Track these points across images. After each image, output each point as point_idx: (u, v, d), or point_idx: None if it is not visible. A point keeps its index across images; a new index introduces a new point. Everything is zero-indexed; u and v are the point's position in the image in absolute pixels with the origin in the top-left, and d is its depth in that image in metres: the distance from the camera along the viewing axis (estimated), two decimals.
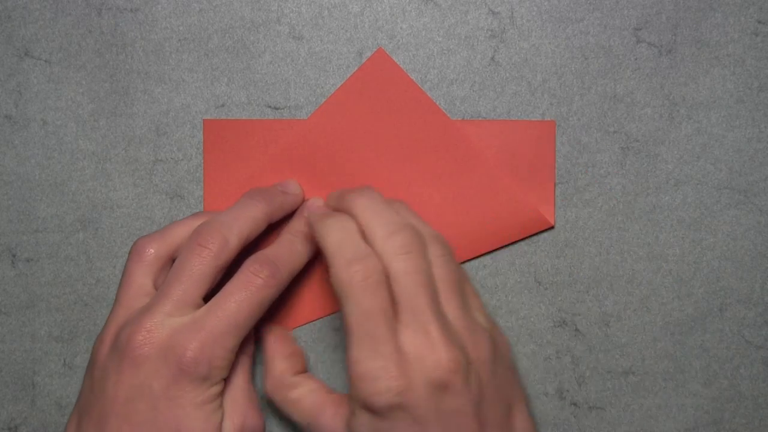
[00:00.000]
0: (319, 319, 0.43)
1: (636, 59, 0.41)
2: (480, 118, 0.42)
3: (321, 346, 0.43)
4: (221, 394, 0.37)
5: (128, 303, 0.37)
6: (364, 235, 0.36)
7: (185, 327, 0.35)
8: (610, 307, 0.42)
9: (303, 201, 0.41)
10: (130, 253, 0.38)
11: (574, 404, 0.42)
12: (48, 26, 0.42)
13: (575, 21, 0.41)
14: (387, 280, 0.35)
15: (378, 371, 0.33)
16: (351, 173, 0.42)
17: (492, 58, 0.41)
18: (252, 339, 0.40)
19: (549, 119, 0.41)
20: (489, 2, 0.41)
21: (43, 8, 0.42)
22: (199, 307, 0.36)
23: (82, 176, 0.42)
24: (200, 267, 0.36)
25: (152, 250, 0.38)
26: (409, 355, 0.33)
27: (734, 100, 0.41)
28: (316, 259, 0.42)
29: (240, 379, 0.38)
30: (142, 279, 0.38)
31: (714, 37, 0.41)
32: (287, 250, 0.38)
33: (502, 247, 0.42)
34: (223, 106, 0.42)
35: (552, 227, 0.42)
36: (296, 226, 0.40)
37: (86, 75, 0.42)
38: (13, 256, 0.43)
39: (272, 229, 0.40)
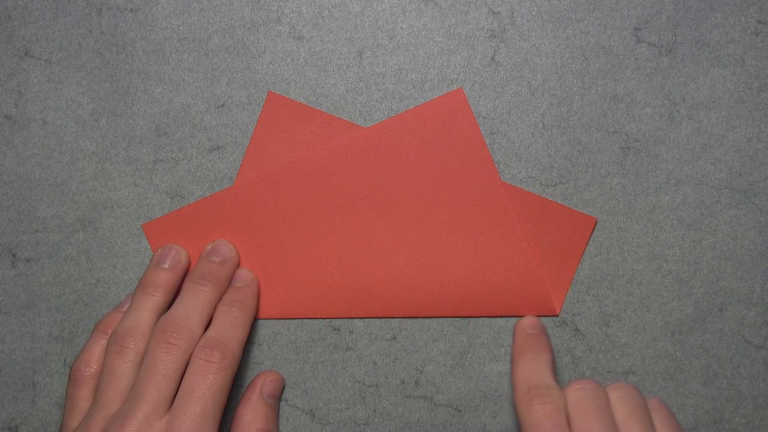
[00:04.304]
0: (320, 318, 0.43)
1: (636, 59, 0.41)
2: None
3: (321, 346, 0.43)
4: None
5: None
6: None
7: None
8: (610, 307, 0.42)
9: (239, 261, 0.42)
10: (69, 377, 0.39)
11: None
12: (48, 26, 0.42)
13: (575, 21, 0.41)
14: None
15: None
16: (387, 194, 0.41)
17: (492, 58, 0.41)
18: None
19: (592, 216, 0.41)
20: (489, 2, 0.41)
21: (43, 8, 0.42)
22: (171, 402, 0.36)
23: (82, 176, 0.42)
24: (172, 364, 0.36)
25: (91, 369, 0.38)
26: None
27: (734, 100, 0.41)
28: (324, 258, 0.42)
29: None
30: (84, 403, 0.38)
31: (714, 37, 0.41)
32: (230, 325, 0.38)
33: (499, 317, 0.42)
34: (223, 106, 0.42)
35: (556, 316, 0.42)
36: (230, 296, 0.40)
37: (86, 75, 0.42)
38: (13, 256, 0.42)
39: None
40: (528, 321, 0.40)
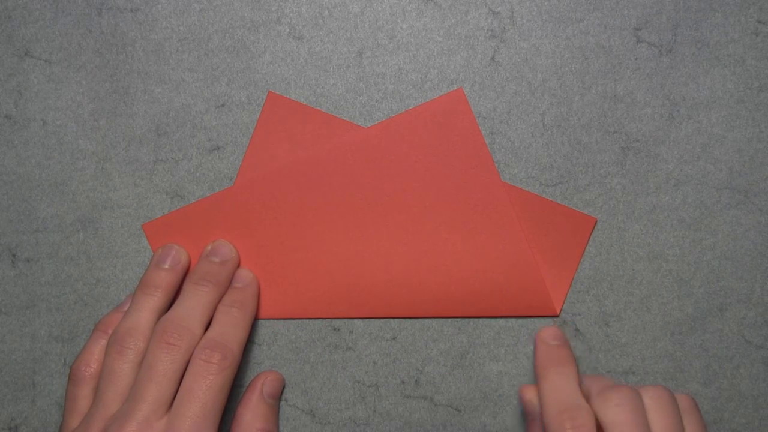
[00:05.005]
0: (320, 318, 0.42)
1: (636, 59, 0.41)
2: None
3: (321, 346, 0.42)
4: None
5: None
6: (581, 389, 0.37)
7: None
8: (610, 307, 0.41)
9: (239, 262, 0.41)
10: (69, 377, 0.38)
11: None
12: (48, 26, 0.42)
13: (575, 21, 0.41)
14: None
15: None
16: (387, 194, 0.41)
17: (492, 58, 0.41)
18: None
19: (592, 215, 0.41)
20: (489, 2, 0.41)
21: (44, 8, 0.42)
22: (171, 402, 0.36)
23: (82, 176, 0.42)
24: (172, 365, 0.36)
25: (91, 369, 0.38)
26: None
27: (734, 100, 0.41)
28: (324, 258, 0.42)
29: None
30: (84, 402, 0.38)
31: (714, 37, 0.41)
32: (230, 325, 0.38)
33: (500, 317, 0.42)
34: (223, 106, 0.42)
35: (556, 316, 0.42)
36: (230, 296, 0.40)
37: (86, 75, 0.42)
38: (13, 256, 0.42)
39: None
40: (549, 332, 0.40)
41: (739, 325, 0.41)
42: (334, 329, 0.42)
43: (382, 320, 0.42)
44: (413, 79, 0.41)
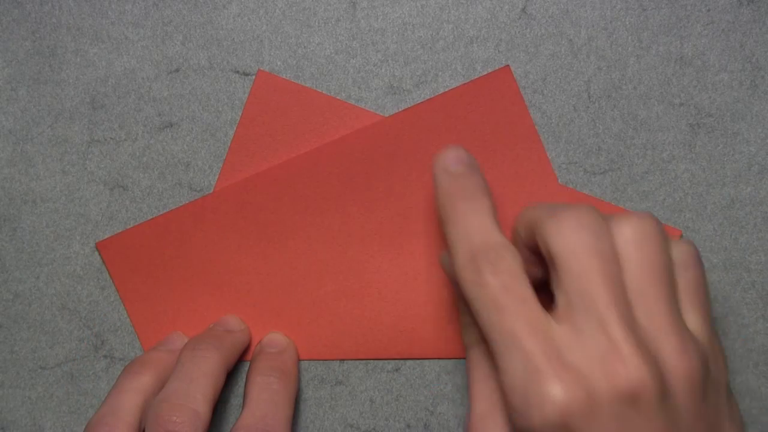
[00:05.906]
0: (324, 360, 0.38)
1: (708, 11, 0.37)
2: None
3: (303, 380, 0.39)
4: None
5: None
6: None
7: None
8: None
9: (251, 338, 0.39)
10: None
11: None
12: None
13: None
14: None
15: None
16: (415, 204, 0.37)
17: (523, 10, 0.38)
18: None
19: (675, 228, 0.36)
20: None
21: None
22: None
23: None
24: None
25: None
26: (578, 364, 0.28)
27: None
28: (330, 293, 0.38)
29: None
30: None
31: None
32: (272, 404, 0.35)
33: None
34: (177, 71, 0.38)
35: None
36: (266, 363, 0.37)
37: (1, 31, 0.38)
38: None
39: None
40: (451, 155, 0.32)
41: None
42: None
43: None
44: (421, 37, 0.37)
